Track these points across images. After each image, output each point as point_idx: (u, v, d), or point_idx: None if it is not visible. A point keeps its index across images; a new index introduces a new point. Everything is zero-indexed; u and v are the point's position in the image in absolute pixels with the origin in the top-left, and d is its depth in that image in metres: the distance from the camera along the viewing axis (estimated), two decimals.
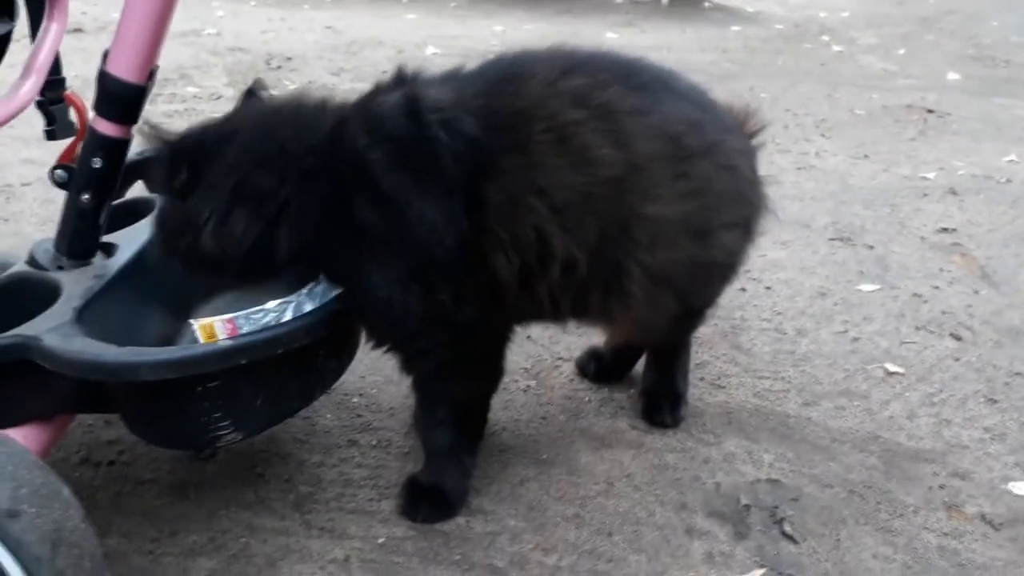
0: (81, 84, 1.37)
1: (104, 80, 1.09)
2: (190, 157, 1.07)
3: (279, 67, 3.71)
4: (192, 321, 1.34)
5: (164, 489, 1.25)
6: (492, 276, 1.09)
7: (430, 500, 1.22)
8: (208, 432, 1.05)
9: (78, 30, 4.10)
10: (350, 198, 1.07)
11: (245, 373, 1.03)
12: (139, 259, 1.24)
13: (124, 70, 1.08)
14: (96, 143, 1.12)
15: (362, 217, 1.07)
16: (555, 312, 1.18)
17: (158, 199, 1.39)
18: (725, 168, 1.20)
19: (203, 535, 1.17)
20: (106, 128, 1.11)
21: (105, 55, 1.10)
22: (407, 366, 1.21)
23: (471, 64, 1.19)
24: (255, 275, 1.14)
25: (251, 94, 1.20)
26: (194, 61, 3.76)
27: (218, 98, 3.26)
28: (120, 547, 1.14)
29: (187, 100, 3.22)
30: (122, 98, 1.10)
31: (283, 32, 4.43)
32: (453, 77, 1.16)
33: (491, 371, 1.24)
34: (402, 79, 1.15)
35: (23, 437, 1.00)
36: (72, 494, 0.89)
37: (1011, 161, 2.78)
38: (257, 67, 3.69)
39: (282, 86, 3.42)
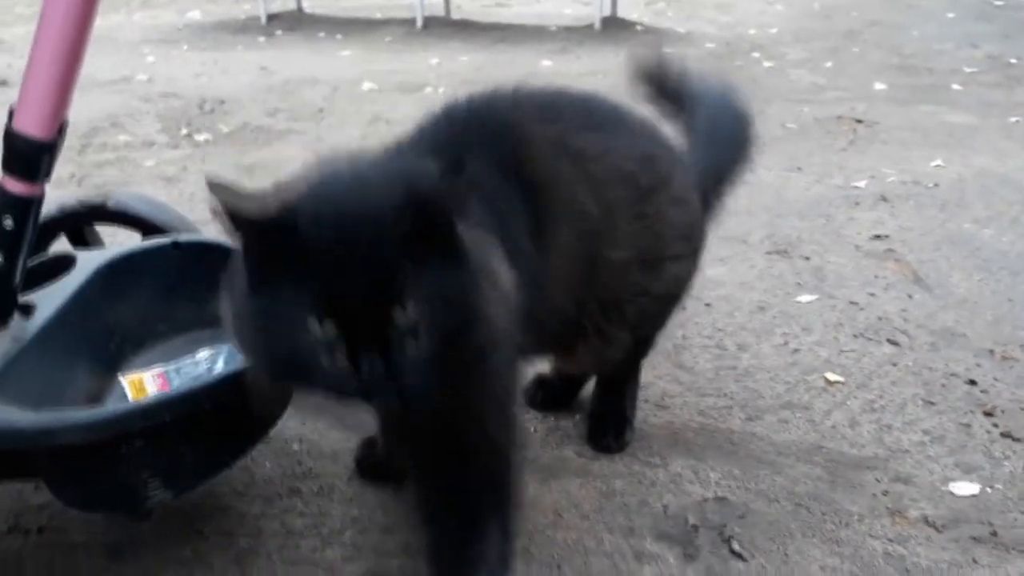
0: None
1: (10, 138, 1.06)
2: None
3: (212, 110, 3.67)
4: (121, 376, 1.31)
5: (99, 552, 1.21)
6: None
7: None
8: (137, 493, 1.02)
9: (3, 83, 4.02)
10: None
11: (172, 430, 1.00)
12: (61, 317, 1.21)
13: (31, 126, 1.06)
14: (6, 203, 1.08)
15: None
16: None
17: (78, 254, 1.36)
18: (676, 201, 1.22)
19: None
20: (15, 187, 1.08)
21: (11, 113, 1.07)
22: None
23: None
24: None
25: None
26: (125, 109, 3.70)
27: (151, 145, 3.22)
28: None
29: (119, 148, 3.17)
30: (30, 155, 1.07)
31: (216, 75, 4.39)
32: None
33: None
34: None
35: None
36: None
37: (938, 166, 2.86)
38: (190, 111, 3.65)
39: (216, 129, 3.38)
